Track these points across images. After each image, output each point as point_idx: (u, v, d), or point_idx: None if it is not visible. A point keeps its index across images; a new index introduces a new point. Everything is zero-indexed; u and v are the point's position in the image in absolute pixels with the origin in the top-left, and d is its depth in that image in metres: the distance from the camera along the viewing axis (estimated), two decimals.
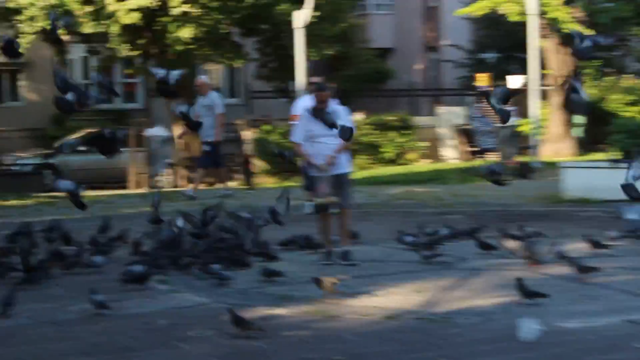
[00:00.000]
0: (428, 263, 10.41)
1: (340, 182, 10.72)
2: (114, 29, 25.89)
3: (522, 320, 7.02)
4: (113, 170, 26.20)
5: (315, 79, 14.76)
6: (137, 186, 21.04)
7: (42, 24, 25.50)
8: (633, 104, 26.98)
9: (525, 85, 24.53)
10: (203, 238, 10.85)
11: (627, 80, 28.71)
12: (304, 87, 22.83)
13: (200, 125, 13.97)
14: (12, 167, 27.96)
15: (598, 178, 15.74)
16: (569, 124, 26.88)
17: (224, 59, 28.54)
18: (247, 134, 25.16)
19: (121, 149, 10.17)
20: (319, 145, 10.62)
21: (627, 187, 8.38)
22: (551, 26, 26.16)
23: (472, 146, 23.10)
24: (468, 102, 31.64)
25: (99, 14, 25.69)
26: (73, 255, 10.45)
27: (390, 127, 27.81)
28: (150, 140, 18.56)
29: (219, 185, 19.55)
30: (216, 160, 18.16)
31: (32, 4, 25.79)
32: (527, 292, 8.32)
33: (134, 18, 25.44)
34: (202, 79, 18.09)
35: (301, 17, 24.52)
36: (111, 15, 25.58)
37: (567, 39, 24.93)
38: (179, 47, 26.21)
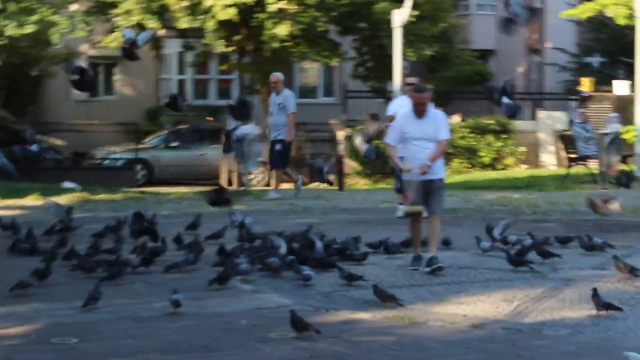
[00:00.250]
0: (517, 271, 10.14)
1: (433, 188, 10.43)
2: (210, 24, 26.00)
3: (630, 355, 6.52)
4: (203, 167, 26.38)
5: (412, 80, 14.46)
6: (229, 184, 21.05)
7: (137, 17, 25.75)
8: None
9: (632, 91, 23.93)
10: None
11: None
12: (400, 87, 22.59)
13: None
14: (104, 162, 28.33)
15: None
16: None
17: (320, 57, 28.42)
18: (341, 134, 25.03)
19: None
20: (414, 147, 10.37)
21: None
22: None
23: (571, 152, 22.64)
24: (571, 107, 31.02)
25: (195, 9, 25.84)
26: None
27: (488, 130, 27.45)
28: (241, 138, 18.40)
29: (286, 185, 19.21)
30: (284, 159, 17.59)
31: None
32: (602, 304, 8.11)
33: (230, 14, 25.53)
34: (277, 75, 17.62)
35: (400, 16, 24.30)
36: (207, 11, 25.71)
37: None
38: (275, 44, 26.23)
